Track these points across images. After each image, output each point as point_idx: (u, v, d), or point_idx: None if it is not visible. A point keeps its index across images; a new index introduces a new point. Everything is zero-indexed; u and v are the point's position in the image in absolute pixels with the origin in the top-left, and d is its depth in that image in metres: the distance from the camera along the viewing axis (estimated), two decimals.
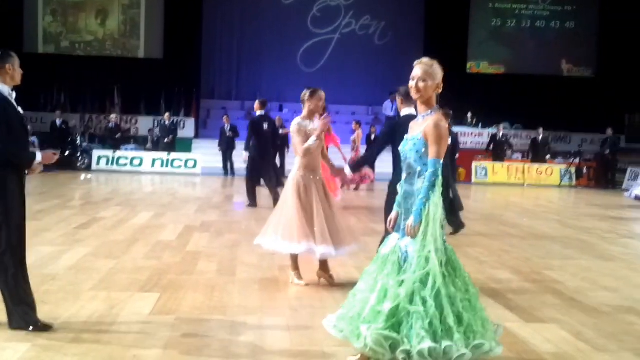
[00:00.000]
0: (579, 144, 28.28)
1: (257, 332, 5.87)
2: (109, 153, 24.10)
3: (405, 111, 7.59)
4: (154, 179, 21.17)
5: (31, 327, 5.54)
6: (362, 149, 21.43)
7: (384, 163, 23.61)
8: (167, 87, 27.33)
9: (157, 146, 25.06)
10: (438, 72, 4.95)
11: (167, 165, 23.36)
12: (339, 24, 30.82)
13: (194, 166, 23.77)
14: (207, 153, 24.68)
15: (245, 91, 30.34)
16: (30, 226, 10.73)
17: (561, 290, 7.89)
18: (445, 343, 4.46)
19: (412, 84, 4.97)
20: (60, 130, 24.56)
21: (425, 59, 4.99)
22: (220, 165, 23.63)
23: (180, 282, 7.53)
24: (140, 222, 11.99)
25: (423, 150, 4.82)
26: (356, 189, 20.00)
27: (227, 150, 23.50)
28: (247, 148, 15.18)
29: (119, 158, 24.01)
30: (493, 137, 25.62)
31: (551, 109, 27.35)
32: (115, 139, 25.02)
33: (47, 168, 17.80)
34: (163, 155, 23.77)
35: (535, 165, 24.94)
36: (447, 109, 13.57)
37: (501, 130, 25.54)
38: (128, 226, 11.51)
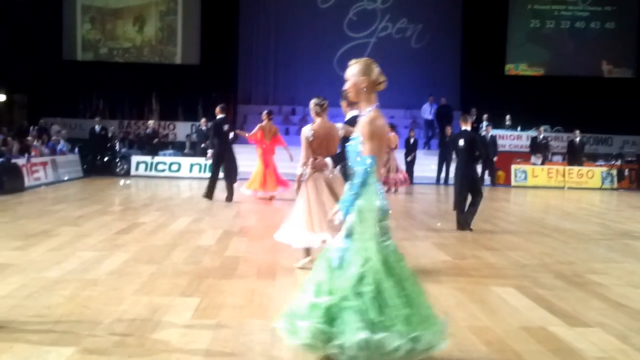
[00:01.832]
0: (621, 145, 27.87)
1: None
2: (147, 159, 24.26)
3: (350, 114, 8.53)
4: (192, 184, 21.25)
5: None
6: (399, 154, 21.40)
7: (422, 166, 23.54)
8: (204, 93, 27.43)
9: (194, 151, 25.18)
10: (363, 70, 5.03)
11: (204, 171, 23.39)
12: (376, 27, 30.70)
13: None
14: (244, 158, 24.68)
15: (282, 96, 30.38)
16: (71, 232, 10.92)
17: (605, 293, 7.77)
18: (380, 334, 4.47)
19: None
20: (100, 137, 24.82)
21: (352, 60, 5.13)
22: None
23: (220, 286, 7.53)
24: (180, 227, 12.03)
25: (360, 149, 4.88)
26: (395, 191, 19.96)
27: None
28: (211, 147, 16.96)
29: (157, 163, 24.16)
30: (533, 140, 25.39)
31: (592, 110, 26.94)
32: (153, 145, 25.19)
33: (87, 173, 17.83)
34: (201, 160, 23.83)
35: (576, 168, 24.64)
36: (466, 115, 13.70)
37: (542, 133, 25.28)
38: (167, 231, 11.56)
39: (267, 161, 16.88)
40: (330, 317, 4.61)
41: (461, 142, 12.50)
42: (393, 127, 20.95)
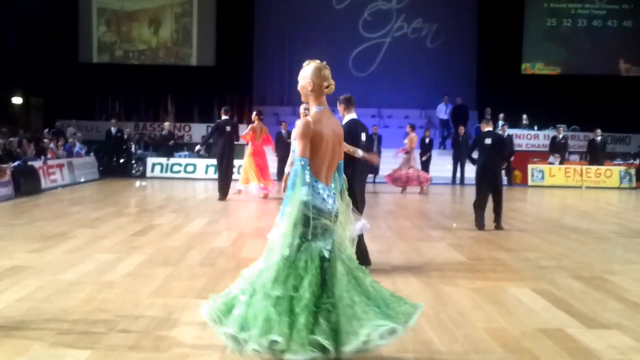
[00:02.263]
0: (639, 144, 27.67)
1: None
2: (163, 160, 24.31)
3: (347, 117, 8.58)
4: (207, 185, 21.25)
5: None
6: (416, 153, 21.36)
7: (437, 166, 23.44)
8: (219, 94, 27.45)
9: (210, 153, 25.19)
10: (306, 72, 5.18)
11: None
12: (391, 27, 30.61)
13: None
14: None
15: (297, 96, 29.93)
16: (88, 234, 10.95)
17: (624, 295, 7.71)
18: (243, 334, 4.68)
19: None
20: (116, 139, 24.90)
21: (306, 61, 5.26)
22: (274, 170, 23.60)
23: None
24: (195, 229, 12.04)
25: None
26: (421, 192, 20.00)
27: (285, 156, 23.44)
28: (203, 144, 19.27)
29: (172, 165, 24.19)
30: (553, 139, 25.26)
31: (609, 109, 26.72)
32: (169, 146, 25.25)
33: (103, 175, 17.91)
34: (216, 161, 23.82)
35: (594, 167, 24.48)
36: (487, 119, 13.80)
37: (561, 133, 25.15)
38: (183, 233, 11.57)
39: (257, 160, 17.38)
40: (230, 305, 4.96)
41: (488, 141, 12.63)
42: (412, 127, 20.93)
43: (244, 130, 17.90)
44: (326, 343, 4.56)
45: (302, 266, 4.84)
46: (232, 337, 4.76)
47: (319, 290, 4.79)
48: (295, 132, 5.02)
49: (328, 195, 5.03)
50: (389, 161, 20.84)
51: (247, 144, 17.70)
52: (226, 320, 4.86)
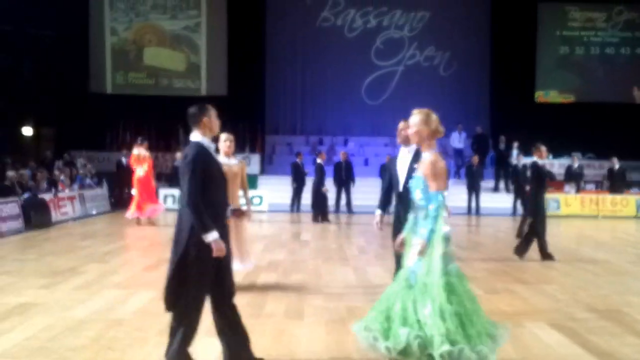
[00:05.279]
0: None
1: None
2: (174, 192, 24.22)
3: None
4: None
5: None
6: None
7: (452, 196, 23.23)
8: (231, 124, 27.37)
9: None
10: (424, 119, 5.77)
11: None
12: (403, 55, 30.65)
13: (260, 203, 23.63)
14: (273, 189, 24.65)
15: (310, 126, 30.35)
16: (98, 269, 10.86)
17: None
18: (459, 346, 5.11)
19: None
20: (126, 169, 24.83)
21: (415, 110, 5.86)
22: (287, 201, 23.53)
23: (247, 325, 7.33)
24: None
25: (423, 186, 5.64)
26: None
27: (302, 186, 23.42)
28: None
29: None
30: (568, 168, 25.06)
31: (624, 137, 26.57)
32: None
33: (115, 207, 17.74)
34: None
35: (610, 196, 24.22)
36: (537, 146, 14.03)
37: (576, 161, 24.94)
38: None
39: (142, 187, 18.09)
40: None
41: (529, 172, 13.17)
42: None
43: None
44: (498, 332, 5.45)
45: (456, 284, 5.39)
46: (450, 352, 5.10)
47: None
48: (429, 169, 5.52)
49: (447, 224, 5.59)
50: None
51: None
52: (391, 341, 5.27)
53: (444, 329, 5.10)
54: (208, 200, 5.51)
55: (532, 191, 13.36)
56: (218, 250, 5.44)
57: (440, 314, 5.17)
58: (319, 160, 20.82)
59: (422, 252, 5.38)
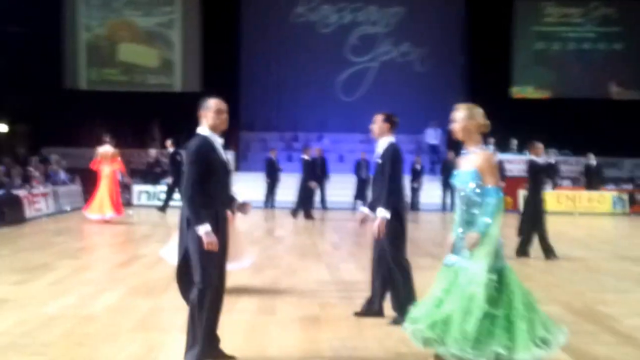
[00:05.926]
0: (631, 169, 27.60)
1: None
2: (149, 188, 24.05)
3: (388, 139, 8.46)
4: None
5: None
6: (407, 180, 21.22)
7: (427, 192, 23.26)
8: None
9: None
10: (469, 114, 5.70)
11: None
12: (378, 51, 30.66)
13: None
14: (247, 186, 24.53)
15: (285, 122, 30.21)
16: (71, 265, 10.76)
17: (616, 327, 7.56)
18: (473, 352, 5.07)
19: None
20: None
21: (460, 104, 5.85)
22: (261, 198, 23.51)
23: (220, 321, 7.31)
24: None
25: (476, 181, 5.54)
26: None
27: (275, 182, 23.45)
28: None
29: (159, 192, 23.91)
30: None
31: (601, 133, 26.59)
32: (155, 174, 24.96)
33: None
34: None
35: (586, 193, 24.34)
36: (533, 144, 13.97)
37: (553, 157, 25.02)
38: (168, 264, 11.33)
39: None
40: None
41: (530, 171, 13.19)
42: None
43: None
44: (549, 336, 5.41)
45: (507, 284, 5.35)
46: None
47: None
48: (483, 164, 5.47)
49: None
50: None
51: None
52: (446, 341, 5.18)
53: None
54: (206, 193, 5.58)
55: (529, 189, 13.40)
56: (209, 243, 5.48)
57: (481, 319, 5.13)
58: (305, 156, 20.81)
59: (474, 245, 5.32)
